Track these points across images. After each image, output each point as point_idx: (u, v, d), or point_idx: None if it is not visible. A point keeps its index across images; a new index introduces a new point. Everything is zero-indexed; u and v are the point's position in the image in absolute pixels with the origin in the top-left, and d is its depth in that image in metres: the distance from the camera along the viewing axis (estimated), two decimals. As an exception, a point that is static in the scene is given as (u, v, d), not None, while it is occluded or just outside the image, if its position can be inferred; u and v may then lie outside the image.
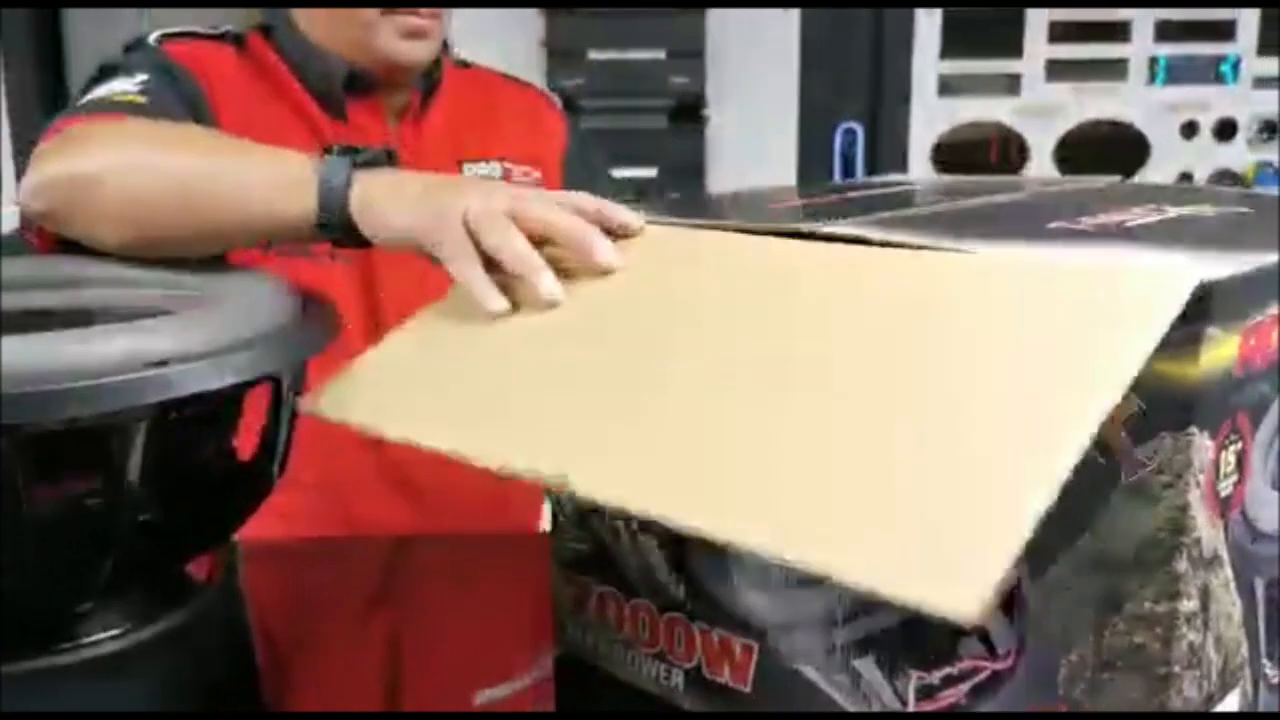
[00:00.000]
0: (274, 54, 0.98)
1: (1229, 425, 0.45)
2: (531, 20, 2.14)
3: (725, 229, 0.59)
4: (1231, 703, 0.51)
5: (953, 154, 2.16)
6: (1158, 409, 0.43)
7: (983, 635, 0.50)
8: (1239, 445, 0.46)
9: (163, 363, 0.50)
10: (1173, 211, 0.62)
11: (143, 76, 0.86)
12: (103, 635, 0.57)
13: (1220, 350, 0.43)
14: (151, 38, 0.95)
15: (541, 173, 1.09)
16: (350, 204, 0.65)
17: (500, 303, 0.60)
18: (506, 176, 1.06)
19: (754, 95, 2.19)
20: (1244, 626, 0.50)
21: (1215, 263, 0.45)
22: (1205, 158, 2.10)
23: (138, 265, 0.70)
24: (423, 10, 0.95)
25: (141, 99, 0.83)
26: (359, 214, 0.65)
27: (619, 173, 2.17)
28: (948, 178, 0.91)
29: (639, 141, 2.15)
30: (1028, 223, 0.58)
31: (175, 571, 0.62)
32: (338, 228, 0.66)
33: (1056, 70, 2.09)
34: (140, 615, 0.58)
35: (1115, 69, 2.08)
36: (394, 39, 0.95)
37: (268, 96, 0.97)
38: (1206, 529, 0.45)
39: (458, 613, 0.78)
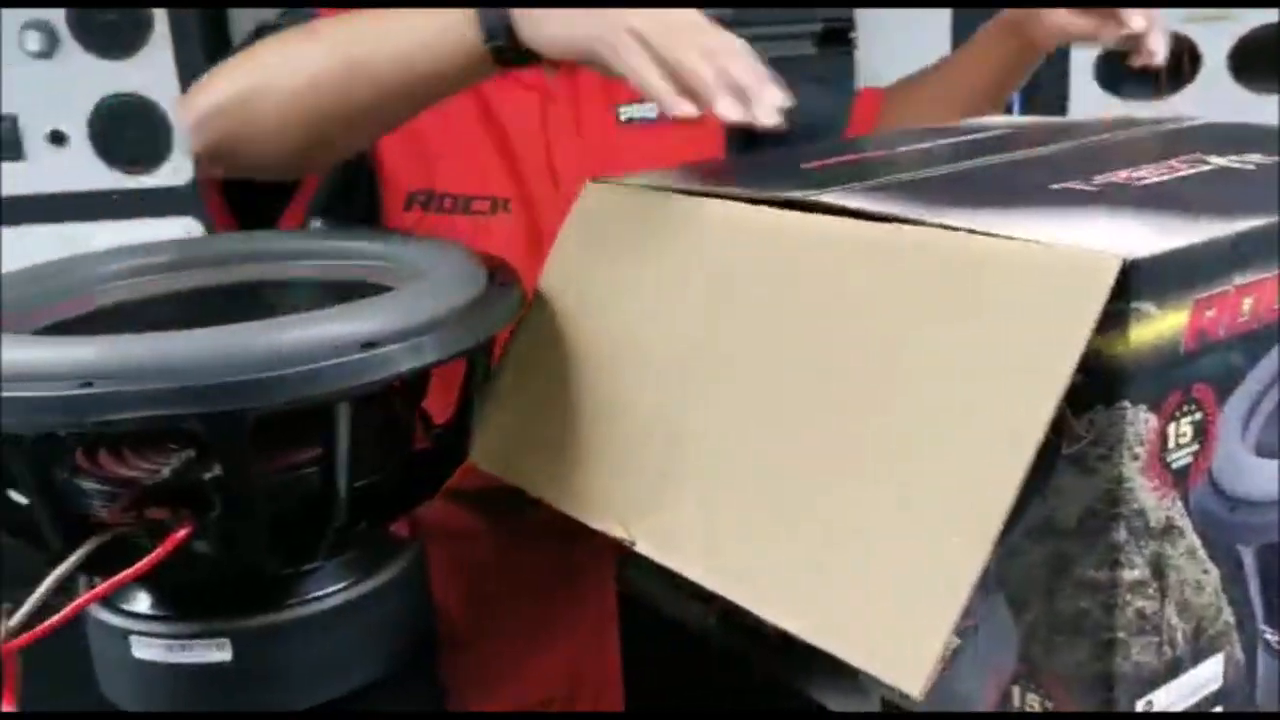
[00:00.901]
0: None
1: (1179, 397, 0.45)
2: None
3: (727, 198, 0.61)
4: (1212, 668, 0.51)
5: (1118, 67, 2.03)
6: (1090, 383, 0.43)
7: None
8: (1197, 416, 0.46)
9: (374, 344, 0.54)
10: (1213, 163, 0.60)
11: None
12: (326, 591, 0.62)
13: (1156, 325, 0.43)
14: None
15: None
16: (513, 18, 0.65)
17: (689, 108, 0.60)
18: (662, 118, 1.07)
19: (905, 15, 2.12)
20: (1226, 594, 0.50)
21: (1172, 235, 0.45)
22: (1401, 58, 1.90)
23: (335, 238, 0.76)
24: None
25: None
26: (520, 24, 0.65)
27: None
28: (1039, 121, 0.90)
29: (786, 68, 2.11)
30: (1033, 184, 0.57)
31: (383, 530, 0.67)
32: (509, 49, 0.66)
33: (1232, -30, 1.93)
34: (358, 571, 0.63)
35: (1297, -35, 1.91)
36: None
37: None
38: (1151, 500, 0.45)
39: None
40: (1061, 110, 1.88)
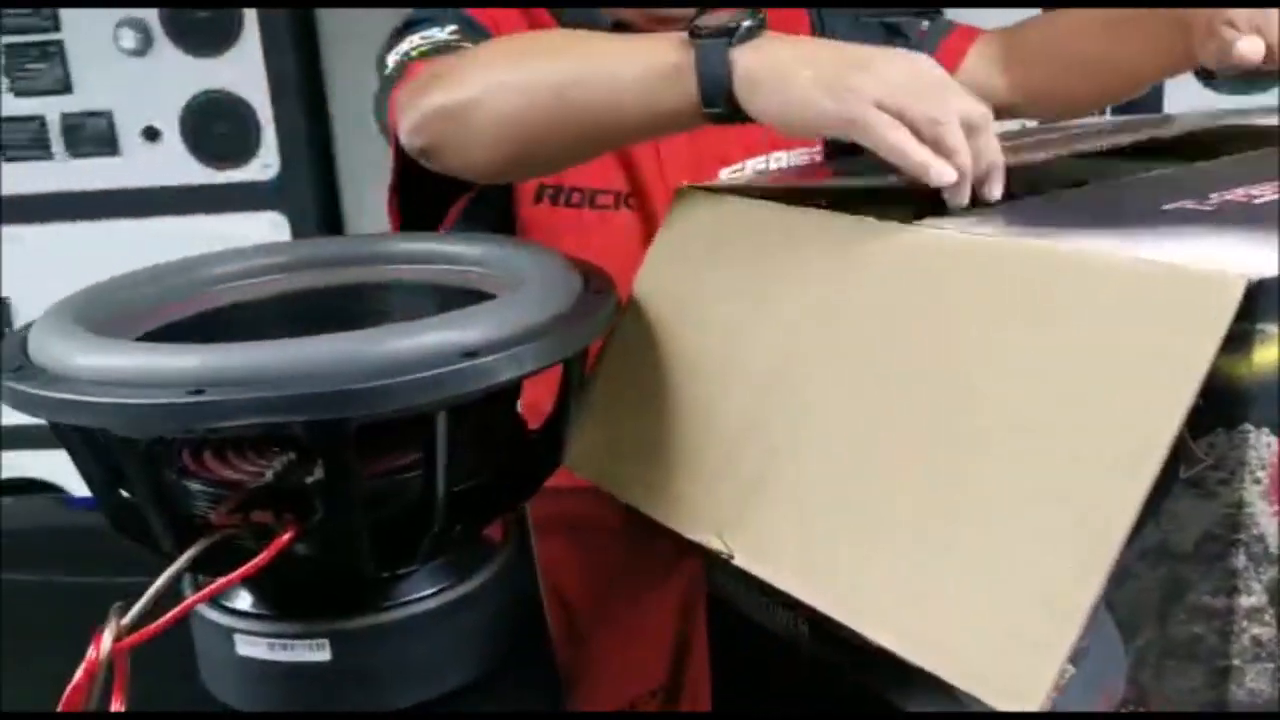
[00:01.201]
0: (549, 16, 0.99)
1: (1302, 420, 0.44)
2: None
3: (822, 208, 0.61)
4: (1329, 693, 0.49)
5: (1214, 56, 1.97)
6: (1211, 405, 0.42)
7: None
8: (1320, 439, 0.45)
9: (475, 353, 0.54)
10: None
11: (453, 27, 0.88)
12: (423, 594, 0.63)
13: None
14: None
15: None
16: (734, 87, 0.62)
17: (952, 174, 0.57)
18: None
19: (991, 14, 2.08)
20: (1347, 618, 0.49)
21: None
22: None
23: (439, 242, 0.78)
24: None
25: (466, 44, 0.84)
26: (745, 98, 0.62)
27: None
28: (1138, 119, 0.87)
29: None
30: (1146, 204, 0.56)
31: (478, 534, 0.68)
32: (727, 115, 0.64)
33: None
34: (453, 575, 0.64)
35: None
36: (653, 23, 0.94)
37: None
38: (1272, 526, 0.44)
39: None
40: (1157, 101, 1.82)
